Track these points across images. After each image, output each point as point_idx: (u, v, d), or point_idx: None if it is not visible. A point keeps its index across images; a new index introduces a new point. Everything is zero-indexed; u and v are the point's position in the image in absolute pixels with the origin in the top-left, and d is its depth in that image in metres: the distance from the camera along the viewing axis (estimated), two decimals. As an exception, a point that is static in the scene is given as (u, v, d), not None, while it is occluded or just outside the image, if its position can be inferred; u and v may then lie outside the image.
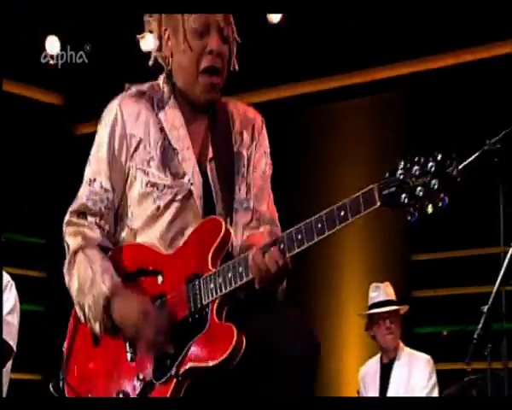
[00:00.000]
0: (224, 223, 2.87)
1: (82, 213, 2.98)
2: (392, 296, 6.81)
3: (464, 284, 7.56)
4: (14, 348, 5.21)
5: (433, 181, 2.47)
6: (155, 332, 2.78)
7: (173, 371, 2.77)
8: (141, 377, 2.84)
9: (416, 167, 2.51)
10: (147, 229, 2.96)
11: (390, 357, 6.72)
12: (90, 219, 2.98)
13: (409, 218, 2.50)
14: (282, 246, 2.73)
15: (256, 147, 3.13)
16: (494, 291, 4.84)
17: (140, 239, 2.98)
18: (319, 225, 2.66)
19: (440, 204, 2.48)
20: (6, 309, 5.21)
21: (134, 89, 3.06)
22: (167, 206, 2.92)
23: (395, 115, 8.56)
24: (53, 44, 8.42)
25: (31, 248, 9.00)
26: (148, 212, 2.95)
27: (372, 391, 6.77)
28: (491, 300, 4.80)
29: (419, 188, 2.50)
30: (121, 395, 2.86)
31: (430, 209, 2.51)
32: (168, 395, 2.79)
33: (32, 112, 9.19)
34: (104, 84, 8.55)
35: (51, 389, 3.00)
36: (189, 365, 2.77)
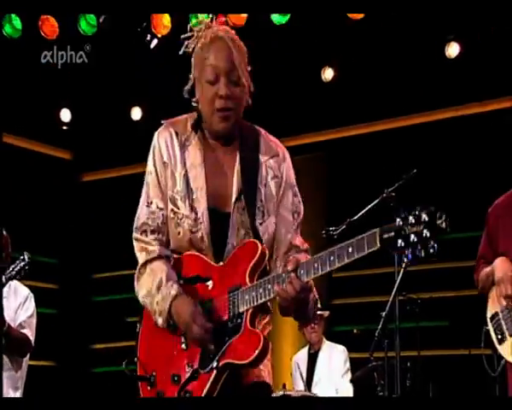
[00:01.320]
0: (260, 245, 2.74)
1: (144, 231, 2.87)
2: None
3: (369, 294, 7.64)
4: (33, 344, 5.16)
5: (425, 230, 2.36)
6: (201, 330, 2.71)
7: (214, 364, 2.71)
8: (190, 364, 2.76)
9: (411, 217, 2.39)
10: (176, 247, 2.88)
11: (315, 348, 6.94)
12: (150, 236, 2.86)
13: (405, 259, 2.50)
14: (301, 272, 2.61)
15: (282, 182, 2.92)
16: (390, 300, 5.04)
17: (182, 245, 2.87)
18: (331, 258, 2.54)
19: (432, 251, 2.36)
20: (28, 314, 5.16)
21: (168, 124, 2.92)
22: (185, 233, 2.81)
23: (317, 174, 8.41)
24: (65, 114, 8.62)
25: (47, 267, 8.86)
26: (174, 234, 2.86)
27: (303, 373, 6.83)
28: (387, 307, 5.01)
29: (413, 235, 2.38)
30: (176, 378, 2.78)
31: (423, 254, 2.39)
32: (209, 383, 2.71)
33: (46, 164, 9.07)
34: (104, 140, 8.86)
35: (124, 366, 2.90)
36: (226, 360, 2.70)
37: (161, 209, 2.87)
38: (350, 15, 6.80)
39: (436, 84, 7.39)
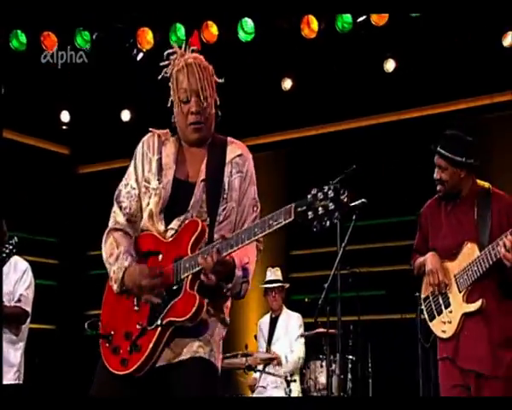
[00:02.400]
0: (200, 222, 2.74)
1: (119, 202, 2.91)
2: (280, 277, 6.93)
3: (320, 269, 7.11)
4: (29, 312, 5.07)
5: (331, 204, 2.38)
6: (150, 283, 2.73)
7: (159, 322, 2.71)
8: (140, 323, 2.76)
9: (320, 194, 2.42)
10: (146, 219, 2.88)
11: (276, 314, 6.92)
12: (122, 210, 2.89)
13: (314, 229, 2.40)
14: (222, 246, 2.62)
15: (246, 177, 2.90)
16: (331, 274, 5.12)
17: (143, 224, 2.89)
18: (255, 230, 2.57)
19: (335, 221, 2.39)
20: (25, 286, 5.06)
21: (153, 131, 2.96)
22: (150, 203, 2.84)
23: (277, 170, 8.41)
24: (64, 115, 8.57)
25: (48, 245, 8.90)
26: (143, 208, 2.88)
27: (265, 335, 6.90)
28: (329, 279, 5.11)
29: (320, 209, 2.40)
30: (128, 334, 2.77)
31: (328, 224, 2.40)
32: (155, 338, 2.71)
33: (48, 158, 9.05)
34: (97, 138, 8.88)
35: (86, 326, 2.93)
36: (168, 318, 2.70)
37: (134, 189, 2.91)
38: (304, 34, 6.81)
39: (376, 92, 7.43)
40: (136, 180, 2.91)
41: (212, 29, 6.99)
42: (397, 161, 7.51)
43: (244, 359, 6.16)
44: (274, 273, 6.95)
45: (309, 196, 2.45)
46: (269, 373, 6.35)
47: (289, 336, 6.76)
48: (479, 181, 4.00)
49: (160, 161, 2.88)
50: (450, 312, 3.86)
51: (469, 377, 3.77)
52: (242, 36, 7.00)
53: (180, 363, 2.75)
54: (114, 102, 8.29)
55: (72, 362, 8.37)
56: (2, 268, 4.72)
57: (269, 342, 6.82)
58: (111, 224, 2.91)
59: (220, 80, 2.89)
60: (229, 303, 2.92)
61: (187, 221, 2.79)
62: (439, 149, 3.90)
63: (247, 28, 7.00)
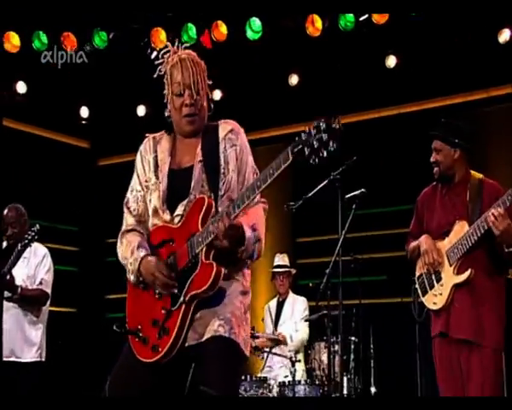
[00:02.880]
0: (206, 198, 2.70)
1: (128, 208, 2.91)
2: (287, 262, 6.88)
3: (321, 255, 7.17)
4: (50, 294, 5.18)
5: (324, 135, 2.33)
6: (163, 277, 2.70)
7: (181, 299, 2.66)
8: (165, 307, 2.72)
9: (313, 130, 2.35)
10: (152, 215, 2.86)
11: (283, 298, 6.87)
12: (132, 212, 2.90)
13: (312, 162, 2.33)
14: (230, 208, 2.58)
15: (241, 149, 2.83)
16: (332, 260, 5.20)
17: (151, 222, 2.86)
18: (258, 183, 2.52)
19: (332, 149, 2.33)
20: (45, 270, 5.16)
21: (149, 135, 2.95)
22: (152, 199, 2.83)
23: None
24: (84, 111, 8.56)
25: (70, 233, 8.89)
26: (148, 206, 2.87)
27: (272, 317, 6.82)
28: (330, 265, 5.19)
29: (315, 142, 2.34)
30: (155, 322, 2.73)
31: (325, 154, 2.35)
32: (180, 316, 2.66)
33: (70, 152, 9.05)
34: (115, 132, 8.87)
35: (114, 327, 2.82)
36: (190, 293, 2.65)
37: (139, 191, 2.90)
38: (308, 32, 6.77)
39: (377, 87, 7.37)
40: (140, 183, 2.90)
41: (222, 28, 6.97)
42: (398, 152, 7.43)
43: (252, 340, 6.10)
44: (282, 259, 6.91)
45: (303, 134, 2.39)
46: (275, 354, 6.32)
47: (294, 318, 6.73)
48: (472, 172, 4.02)
49: (155, 158, 2.88)
50: (442, 285, 3.87)
51: (460, 348, 3.79)
52: (250, 35, 6.98)
53: (201, 344, 2.69)
54: (130, 99, 8.27)
55: (91, 342, 8.42)
56: (24, 252, 4.82)
57: (275, 325, 6.79)
58: (123, 228, 2.91)
59: (210, 82, 2.86)
60: (248, 271, 2.84)
61: (191, 203, 2.74)
62: (434, 132, 3.99)
63: (254, 27, 6.97)
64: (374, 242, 7.40)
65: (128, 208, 2.92)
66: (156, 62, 2.89)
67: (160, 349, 2.69)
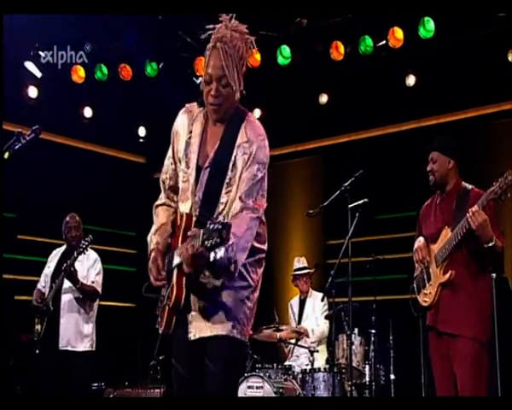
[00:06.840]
0: (192, 216, 2.66)
1: (163, 181, 2.91)
2: (306, 264, 6.88)
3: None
4: (100, 293, 5.36)
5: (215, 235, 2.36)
6: (152, 275, 2.70)
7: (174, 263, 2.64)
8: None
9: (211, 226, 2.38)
10: (180, 197, 2.79)
11: (304, 296, 6.91)
12: (163, 186, 2.90)
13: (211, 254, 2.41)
14: (192, 242, 2.48)
15: (249, 157, 2.68)
16: (337, 262, 5.30)
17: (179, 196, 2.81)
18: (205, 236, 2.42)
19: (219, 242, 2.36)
20: (96, 272, 5.36)
21: (187, 106, 2.85)
22: (181, 180, 2.76)
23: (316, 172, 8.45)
24: (141, 131, 8.85)
25: (128, 238, 8.92)
26: (179, 185, 2.80)
27: (295, 313, 6.87)
28: (335, 267, 5.28)
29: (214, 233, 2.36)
30: (162, 298, 2.73)
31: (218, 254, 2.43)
32: (174, 283, 2.64)
33: (128, 167, 9.26)
34: (167, 149, 9.53)
35: (143, 290, 2.82)
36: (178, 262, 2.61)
37: (172, 164, 2.86)
38: (332, 56, 6.99)
39: (396, 105, 7.46)
40: (173, 156, 2.85)
41: (256, 56, 7.18)
42: (417, 162, 7.44)
43: (277, 333, 6.33)
44: (301, 262, 6.99)
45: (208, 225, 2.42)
46: (298, 345, 6.52)
47: (315, 314, 6.83)
48: (463, 183, 4.12)
49: (188, 142, 2.77)
50: (431, 285, 4.01)
51: (447, 340, 3.92)
52: (281, 60, 7.22)
53: (202, 340, 2.67)
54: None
55: (149, 331, 8.61)
56: (78, 257, 5.17)
57: (299, 321, 6.89)
58: (157, 201, 2.92)
59: (244, 68, 2.70)
60: (255, 268, 2.75)
61: (195, 204, 2.70)
62: (433, 144, 4.14)
63: (285, 53, 7.23)
64: (395, 244, 7.34)
65: (162, 181, 2.90)
66: (206, 27, 2.74)
67: (161, 321, 2.74)
